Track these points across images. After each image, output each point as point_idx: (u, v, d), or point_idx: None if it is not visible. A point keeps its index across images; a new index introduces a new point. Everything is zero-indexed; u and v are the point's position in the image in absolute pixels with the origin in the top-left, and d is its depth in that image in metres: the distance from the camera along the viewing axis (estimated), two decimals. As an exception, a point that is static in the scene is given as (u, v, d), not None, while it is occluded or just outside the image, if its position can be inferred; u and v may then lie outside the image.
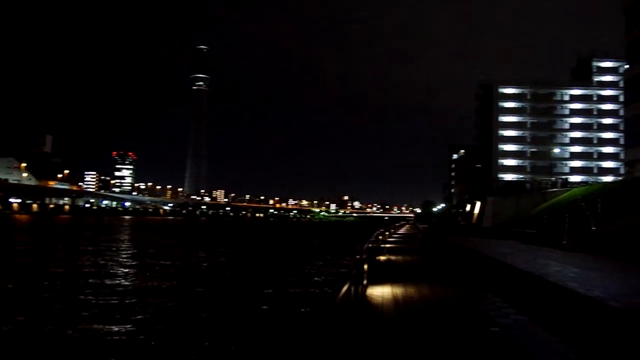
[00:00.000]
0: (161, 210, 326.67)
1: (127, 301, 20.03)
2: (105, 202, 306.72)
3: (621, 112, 76.88)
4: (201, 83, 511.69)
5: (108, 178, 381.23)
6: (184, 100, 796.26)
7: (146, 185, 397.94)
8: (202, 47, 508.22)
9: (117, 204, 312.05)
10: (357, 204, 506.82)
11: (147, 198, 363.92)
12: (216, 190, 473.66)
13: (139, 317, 17.16)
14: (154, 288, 23.83)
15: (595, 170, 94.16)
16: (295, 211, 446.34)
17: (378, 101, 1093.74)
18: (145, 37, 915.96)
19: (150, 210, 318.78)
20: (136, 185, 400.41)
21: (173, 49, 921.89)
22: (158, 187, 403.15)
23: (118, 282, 25.85)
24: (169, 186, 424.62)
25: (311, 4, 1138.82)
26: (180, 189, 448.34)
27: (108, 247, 48.91)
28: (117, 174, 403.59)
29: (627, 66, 55.66)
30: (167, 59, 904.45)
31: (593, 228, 23.45)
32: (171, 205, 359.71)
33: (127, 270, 31.07)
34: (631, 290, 10.19)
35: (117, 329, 15.31)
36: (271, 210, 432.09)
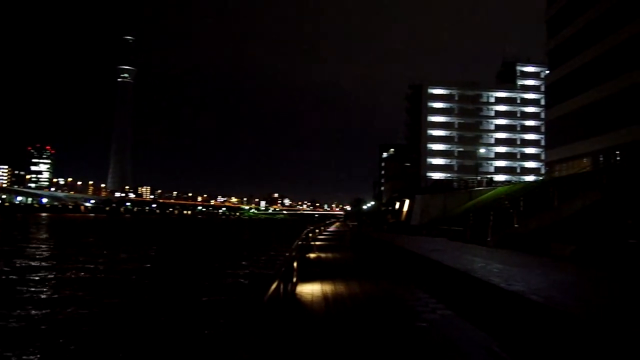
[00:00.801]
0: (82, 207, 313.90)
1: (35, 312, 17.96)
2: (19, 198, 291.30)
3: (542, 115, 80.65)
4: (126, 75, 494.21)
5: (22, 173, 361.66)
6: (108, 92, 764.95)
7: (66, 181, 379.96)
8: (128, 37, 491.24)
9: (33, 201, 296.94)
10: (287, 202, 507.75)
11: (66, 194, 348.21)
12: (142, 186, 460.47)
13: (47, 335, 15.21)
14: (68, 298, 21.32)
15: (518, 170, 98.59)
16: (224, 208, 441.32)
17: (311, 99, 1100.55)
18: (68, 24, 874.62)
19: (70, 206, 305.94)
20: (54, 180, 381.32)
21: (98, 38, 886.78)
22: (79, 182, 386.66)
23: (27, 290, 23.07)
24: (90, 182, 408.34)
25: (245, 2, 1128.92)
26: (103, 185, 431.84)
27: (21, 248, 45.02)
28: (33, 168, 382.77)
29: (547, 71, 58.58)
30: (92, 48, 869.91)
31: (516, 225, 24.40)
32: (93, 201, 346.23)
33: (39, 275, 28.28)
34: (550, 284, 10.56)
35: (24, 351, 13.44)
36: (199, 208, 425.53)
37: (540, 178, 67.95)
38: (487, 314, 9.06)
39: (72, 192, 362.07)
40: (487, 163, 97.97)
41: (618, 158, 35.90)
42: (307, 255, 19.70)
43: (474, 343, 6.67)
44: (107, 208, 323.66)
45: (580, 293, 9.83)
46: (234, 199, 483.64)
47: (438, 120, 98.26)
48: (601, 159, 40.21)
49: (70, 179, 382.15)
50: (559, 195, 25.66)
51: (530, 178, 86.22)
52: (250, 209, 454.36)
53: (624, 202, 21.56)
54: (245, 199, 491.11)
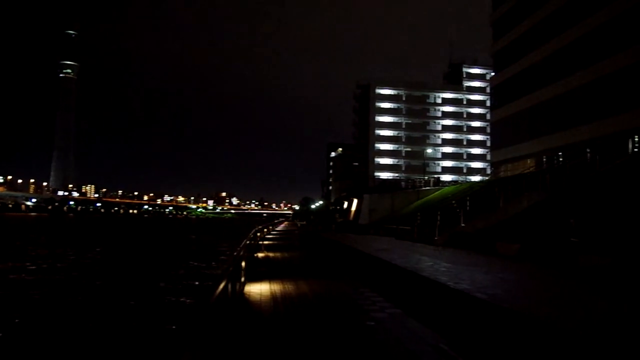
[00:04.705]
0: (23, 206, 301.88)
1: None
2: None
3: (488, 116, 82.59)
4: (69, 70, 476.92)
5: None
6: (50, 88, 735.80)
7: (4, 179, 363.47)
8: (70, 31, 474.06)
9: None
10: (235, 201, 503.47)
11: (5, 192, 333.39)
12: (86, 185, 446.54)
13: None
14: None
15: (464, 170, 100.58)
16: (171, 207, 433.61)
17: (259, 98, 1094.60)
18: (8, 16, 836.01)
19: (9, 205, 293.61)
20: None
21: (40, 32, 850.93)
22: (19, 180, 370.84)
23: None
24: (32, 180, 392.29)
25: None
26: (45, 183, 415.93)
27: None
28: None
29: (493, 73, 60.05)
30: (33, 42, 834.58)
31: (463, 225, 24.85)
32: (35, 200, 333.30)
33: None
34: (495, 282, 10.75)
35: None
36: (145, 207, 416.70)
37: (486, 178, 69.65)
38: (435, 312, 9.10)
39: (24, 192, 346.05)
40: (434, 163, 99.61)
41: (561, 159, 37.14)
42: (256, 255, 19.45)
43: (422, 341, 6.64)
44: (50, 207, 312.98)
45: (523, 290, 10.02)
46: (181, 198, 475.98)
47: (386, 120, 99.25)
48: (545, 159, 41.40)
49: (9, 177, 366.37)
50: (504, 195, 26.34)
51: (476, 178, 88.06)
52: (198, 208, 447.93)
53: (566, 202, 22.27)
54: (192, 198, 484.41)
